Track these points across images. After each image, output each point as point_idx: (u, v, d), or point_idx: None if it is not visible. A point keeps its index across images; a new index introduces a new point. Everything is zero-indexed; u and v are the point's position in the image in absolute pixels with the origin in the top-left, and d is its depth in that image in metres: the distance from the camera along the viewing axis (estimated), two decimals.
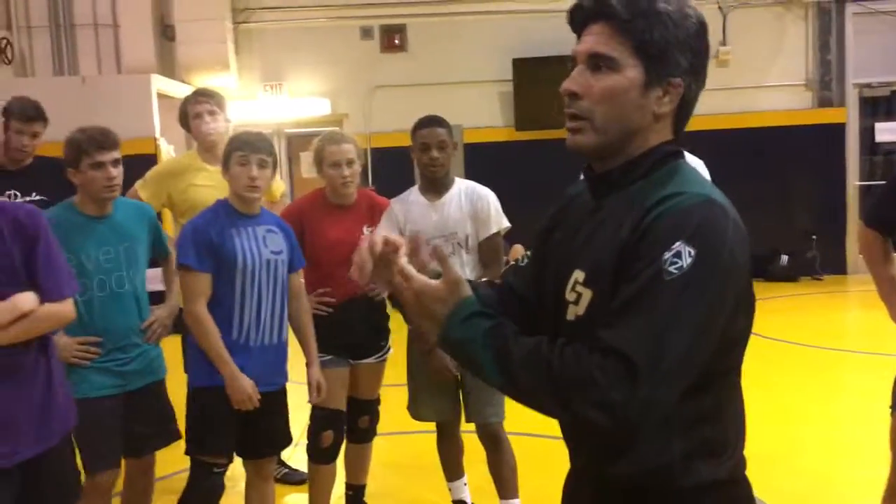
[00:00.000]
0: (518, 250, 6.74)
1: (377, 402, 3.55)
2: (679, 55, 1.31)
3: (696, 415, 1.31)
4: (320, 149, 3.34)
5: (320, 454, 3.37)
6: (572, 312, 1.33)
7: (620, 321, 1.20)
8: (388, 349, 3.52)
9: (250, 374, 2.84)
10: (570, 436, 1.44)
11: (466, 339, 1.27)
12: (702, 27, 1.34)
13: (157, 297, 3.19)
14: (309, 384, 3.12)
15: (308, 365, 3.14)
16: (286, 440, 3.15)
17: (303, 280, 3.51)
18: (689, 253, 1.20)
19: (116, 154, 2.91)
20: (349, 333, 3.35)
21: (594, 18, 1.33)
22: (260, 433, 2.95)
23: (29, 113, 3.58)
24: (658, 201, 1.26)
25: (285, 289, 2.97)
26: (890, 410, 2.62)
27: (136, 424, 2.98)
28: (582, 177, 1.46)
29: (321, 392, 3.11)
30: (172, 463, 3.40)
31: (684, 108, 1.36)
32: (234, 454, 2.98)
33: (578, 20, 1.36)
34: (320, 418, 3.35)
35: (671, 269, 1.19)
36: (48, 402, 2.27)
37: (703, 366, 1.23)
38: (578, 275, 1.33)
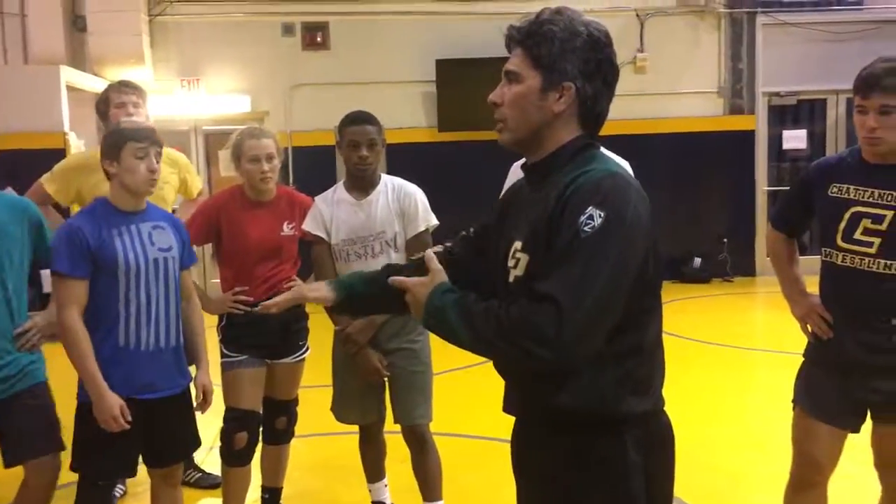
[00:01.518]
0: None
1: (295, 402, 3.50)
2: (566, 63, 1.63)
3: (621, 350, 1.59)
4: (239, 143, 3.26)
5: (234, 456, 3.29)
6: (512, 275, 1.64)
7: (549, 274, 1.50)
8: (306, 349, 3.47)
9: (143, 381, 2.69)
10: (518, 381, 1.73)
11: (442, 306, 1.59)
12: (594, 39, 1.65)
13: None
14: (196, 390, 2.92)
15: (197, 369, 2.94)
16: (192, 445, 3.01)
17: (217, 279, 3.43)
18: (599, 215, 1.50)
19: None
20: (266, 333, 3.28)
21: (513, 45, 1.70)
22: (162, 440, 2.80)
23: None
24: (574, 178, 1.58)
25: (177, 286, 2.81)
26: (792, 405, 2.73)
27: (11, 433, 2.80)
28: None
29: (208, 398, 2.92)
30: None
31: (584, 105, 1.66)
32: (137, 467, 2.84)
33: (508, 48, 1.72)
34: (234, 419, 3.27)
35: (585, 228, 1.49)
36: None
37: (622, 305, 1.52)
38: (517, 244, 1.65)
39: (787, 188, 3.12)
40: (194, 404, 2.92)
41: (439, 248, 1.93)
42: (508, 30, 1.70)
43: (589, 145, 1.68)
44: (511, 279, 1.64)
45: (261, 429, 3.39)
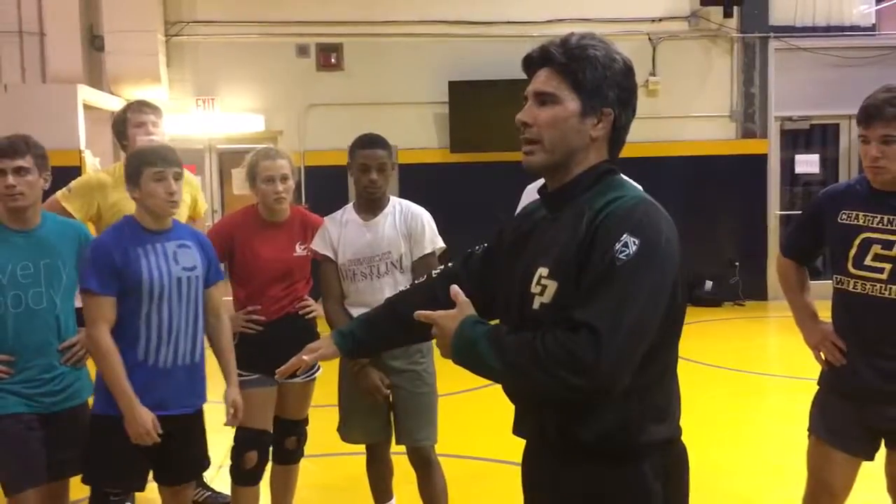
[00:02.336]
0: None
1: (305, 422, 3.50)
2: (608, 90, 1.64)
3: (645, 382, 1.58)
4: (254, 164, 3.29)
5: (244, 476, 3.30)
6: (538, 302, 1.61)
7: (585, 302, 1.49)
8: (318, 368, 3.47)
9: (160, 397, 2.72)
10: (537, 410, 1.67)
11: (473, 338, 1.58)
12: (627, 68, 1.67)
13: None
14: (226, 405, 2.99)
15: (226, 384, 3.01)
16: (202, 466, 3.03)
17: (230, 297, 3.44)
18: (634, 242, 1.49)
19: (21, 162, 2.77)
20: (277, 352, 3.25)
21: (540, 65, 1.67)
22: (174, 460, 2.82)
23: None
24: (605, 204, 1.57)
25: (199, 305, 2.84)
26: (808, 433, 2.71)
27: (52, 449, 2.83)
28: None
29: (238, 413, 2.98)
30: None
31: (616, 132, 1.68)
32: (146, 481, 2.85)
33: (529, 66, 1.70)
34: (245, 439, 3.27)
35: (621, 256, 1.48)
36: None
37: (652, 335, 1.52)
38: (542, 270, 1.61)
39: (798, 214, 3.12)
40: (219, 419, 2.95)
41: (439, 269, 1.97)
42: (542, 50, 1.66)
43: (611, 170, 1.68)
44: (536, 306, 1.61)
45: (270, 449, 3.39)
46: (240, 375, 3.30)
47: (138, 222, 2.78)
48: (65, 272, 2.89)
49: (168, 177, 2.73)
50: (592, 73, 1.62)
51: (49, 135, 8.62)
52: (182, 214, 3.74)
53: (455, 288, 1.68)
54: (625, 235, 1.49)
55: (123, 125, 3.72)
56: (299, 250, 3.35)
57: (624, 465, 1.61)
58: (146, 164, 2.74)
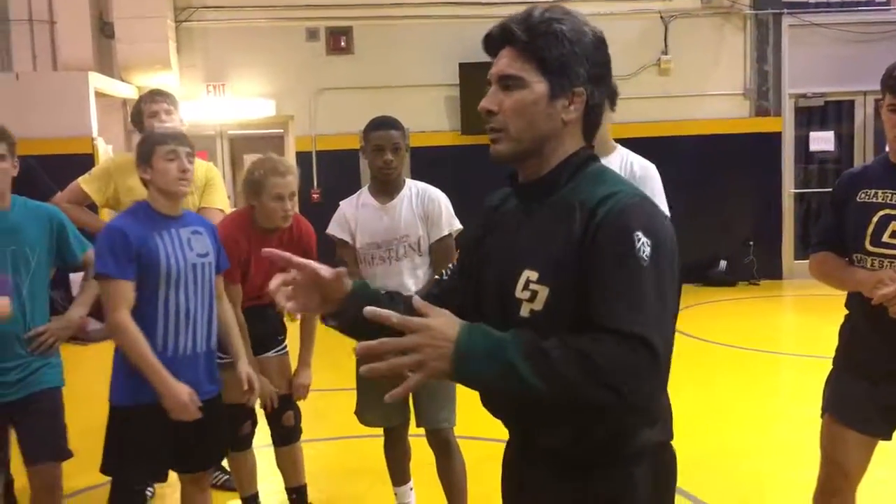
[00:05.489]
0: None
1: (292, 397, 3.49)
2: (578, 67, 1.48)
3: None
4: (261, 179, 3.19)
5: (239, 442, 3.40)
6: (526, 309, 1.45)
7: (627, 306, 1.34)
8: (285, 346, 3.50)
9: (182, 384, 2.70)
10: (535, 418, 1.51)
11: (493, 348, 1.32)
12: (598, 40, 1.51)
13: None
14: (241, 379, 2.99)
15: (236, 361, 3.01)
16: (221, 451, 3.06)
17: None
18: (647, 242, 1.37)
19: None
20: (251, 337, 3.29)
21: (502, 45, 1.52)
22: (194, 447, 2.82)
23: None
24: (599, 201, 1.42)
25: (213, 292, 2.83)
26: (821, 413, 2.70)
27: (21, 436, 2.84)
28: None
29: (254, 386, 3.01)
30: (90, 477, 3.30)
31: (590, 113, 1.52)
32: (168, 470, 2.87)
33: (491, 48, 1.56)
34: (236, 414, 3.26)
35: (643, 255, 1.36)
36: None
37: None
38: (530, 274, 1.45)
39: (817, 190, 3.07)
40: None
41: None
42: (502, 28, 1.52)
43: (592, 157, 1.54)
44: (526, 313, 1.45)
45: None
46: (219, 359, 3.32)
47: (152, 207, 2.76)
48: (33, 258, 2.84)
49: (181, 155, 2.72)
50: (559, 51, 1.46)
51: (61, 122, 8.71)
52: (189, 203, 3.74)
53: (417, 298, 1.39)
54: (638, 234, 1.37)
55: (140, 116, 3.75)
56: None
57: (613, 472, 1.51)
58: (158, 143, 2.73)
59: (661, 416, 1.55)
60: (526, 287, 1.46)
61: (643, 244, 1.36)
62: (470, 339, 1.31)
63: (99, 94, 8.30)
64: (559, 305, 1.42)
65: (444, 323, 1.32)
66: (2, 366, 2.79)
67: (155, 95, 3.77)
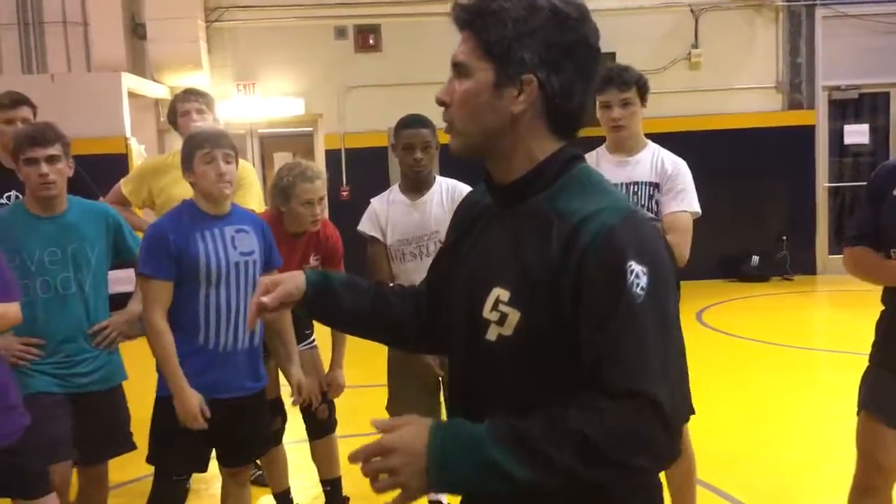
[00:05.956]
0: None
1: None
2: (523, 51, 1.27)
3: None
4: (290, 185, 3.22)
5: (273, 437, 3.41)
6: (494, 332, 1.29)
7: (625, 356, 1.18)
8: (313, 339, 3.53)
9: (217, 380, 2.75)
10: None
11: (472, 446, 1.16)
12: (557, 18, 1.27)
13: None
14: (290, 385, 3.09)
15: (287, 364, 3.09)
16: (265, 445, 3.10)
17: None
18: (643, 271, 1.19)
19: (52, 150, 2.80)
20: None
21: (460, 27, 1.34)
22: (236, 440, 2.87)
23: (7, 99, 3.42)
24: (582, 220, 1.23)
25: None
26: (857, 410, 2.66)
27: (84, 431, 2.88)
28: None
29: (303, 393, 3.09)
30: (132, 469, 3.35)
31: (552, 104, 1.30)
32: (208, 463, 2.92)
33: (458, 29, 1.36)
34: (270, 409, 3.29)
35: (638, 291, 1.18)
36: None
37: None
38: (501, 293, 1.28)
39: (852, 184, 3.02)
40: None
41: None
42: (453, 8, 1.34)
43: (575, 157, 1.34)
44: (493, 337, 1.28)
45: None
46: None
47: (197, 206, 2.80)
48: (93, 256, 2.92)
49: (217, 158, 2.73)
50: (500, 32, 1.27)
51: (95, 123, 8.82)
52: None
53: (375, 420, 1.26)
54: (631, 264, 1.19)
55: (174, 115, 3.80)
56: (312, 261, 3.39)
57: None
58: (196, 147, 2.77)
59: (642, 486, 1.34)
60: (495, 307, 1.28)
61: (637, 275, 1.19)
62: (443, 446, 1.17)
63: (132, 95, 8.41)
64: (532, 334, 1.25)
65: (412, 434, 1.19)
66: (74, 358, 2.88)
67: (188, 95, 3.82)
